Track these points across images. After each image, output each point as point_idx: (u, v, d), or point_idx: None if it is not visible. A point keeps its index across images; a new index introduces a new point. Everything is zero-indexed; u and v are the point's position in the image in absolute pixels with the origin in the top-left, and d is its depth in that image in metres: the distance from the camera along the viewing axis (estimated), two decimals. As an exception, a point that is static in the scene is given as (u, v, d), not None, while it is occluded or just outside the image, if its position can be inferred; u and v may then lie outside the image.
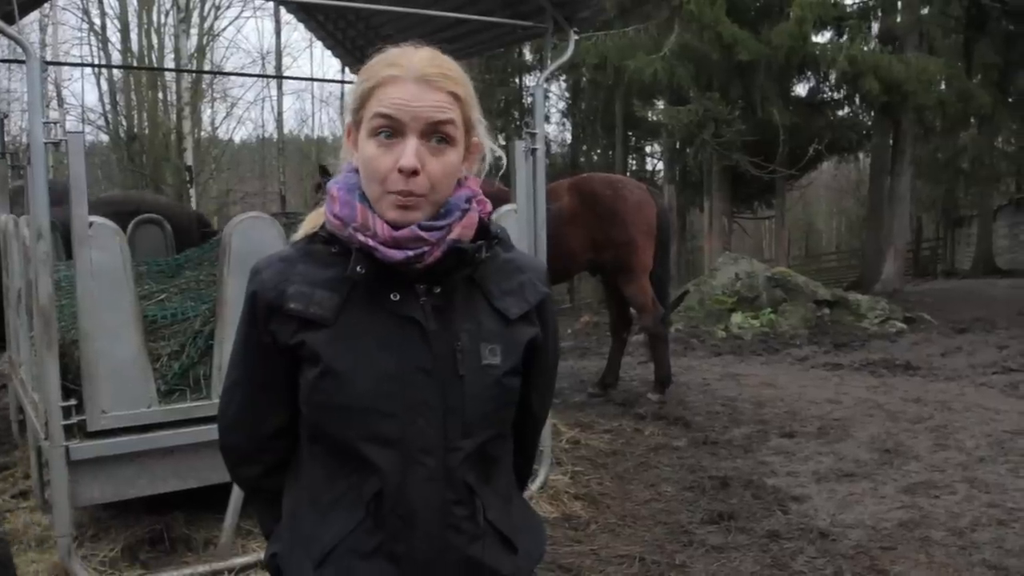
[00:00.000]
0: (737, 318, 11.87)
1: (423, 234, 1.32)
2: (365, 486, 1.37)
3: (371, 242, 1.33)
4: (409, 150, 1.31)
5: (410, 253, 1.32)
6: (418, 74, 1.33)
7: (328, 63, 48.47)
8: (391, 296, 1.37)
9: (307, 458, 1.46)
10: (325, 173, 8.36)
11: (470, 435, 1.39)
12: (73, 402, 3.73)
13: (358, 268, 1.35)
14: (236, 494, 4.00)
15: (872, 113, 17.77)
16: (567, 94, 25.86)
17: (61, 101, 19.86)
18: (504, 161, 1.54)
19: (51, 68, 18.08)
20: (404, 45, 1.38)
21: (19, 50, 3.61)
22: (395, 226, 1.33)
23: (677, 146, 19.31)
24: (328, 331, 1.36)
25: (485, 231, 1.44)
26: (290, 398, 1.45)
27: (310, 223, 1.46)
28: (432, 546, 1.37)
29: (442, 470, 1.37)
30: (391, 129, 1.32)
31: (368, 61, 1.40)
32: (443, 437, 1.37)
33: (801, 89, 18.62)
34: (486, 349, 1.40)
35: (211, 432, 3.90)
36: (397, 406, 1.35)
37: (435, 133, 1.33)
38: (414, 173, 1.31)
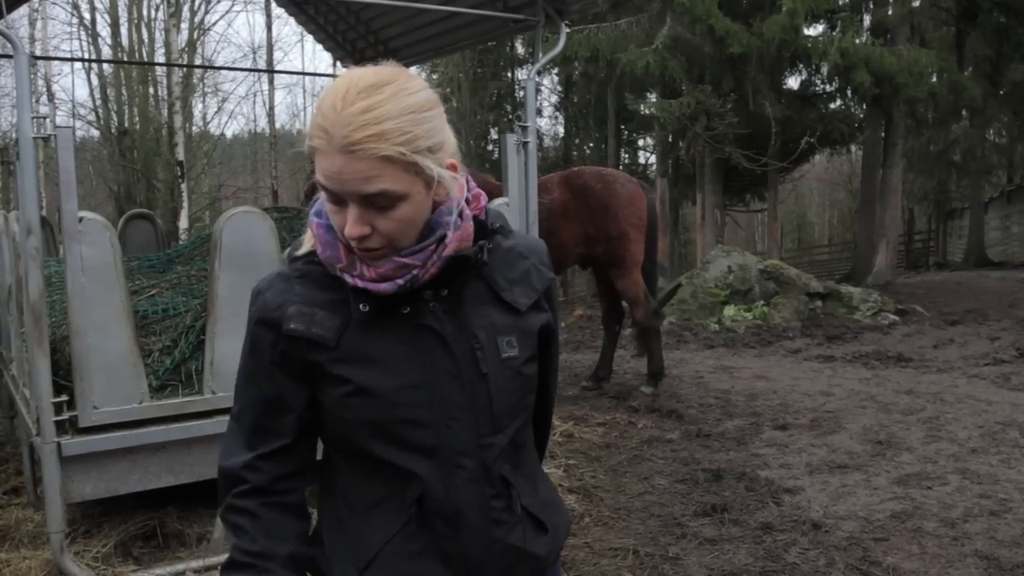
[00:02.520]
0: (730, 311, 11.89)
1: (406, 260, 1.30)
2: (406, 491, 1.37)
3: (359, 283, 1.32)
4: (351, 219, 1.27)
5: (400, 281, 1.31)
6: (341, 144, 1.22)
7: (320, 57, 48.49)
8: (402, 309, 1.36)
9: (341, 467, 1.44)
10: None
11: (501, 430, 1.40)
12: (64, 398, 3.72)
13: (360, 307, 1.34)
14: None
15: (864, 105, 17.78)
16: (559, 87, 25.88)
17: (51, 96, 19.76)
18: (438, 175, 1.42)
19: (40, 63, 18.00)
20: (357, 72, 1.28)
21: (8, 45, 3.59)
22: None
23: (669, 139, 19.34)
24: (339, 351, 1.34)
25: (483, 230, 1.41)
26: (296, 421, 1.40)
27: (307, 243, 1.42)
28: (479, 543, 1.39)
29: (480, 469, 1.38)
30: (333, 195, 1.28)
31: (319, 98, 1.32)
32: (477, 436, 1.38)
33: (793, 82, 18.64)
34: (503, 342, 1.41)
35: (203, 427, 3.94)
36: (428, 415, 1.35)
37: (373, 201, 1.26)
38: (363, 237, 1.28)
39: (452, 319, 1.38)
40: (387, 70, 1.29)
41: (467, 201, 1.38)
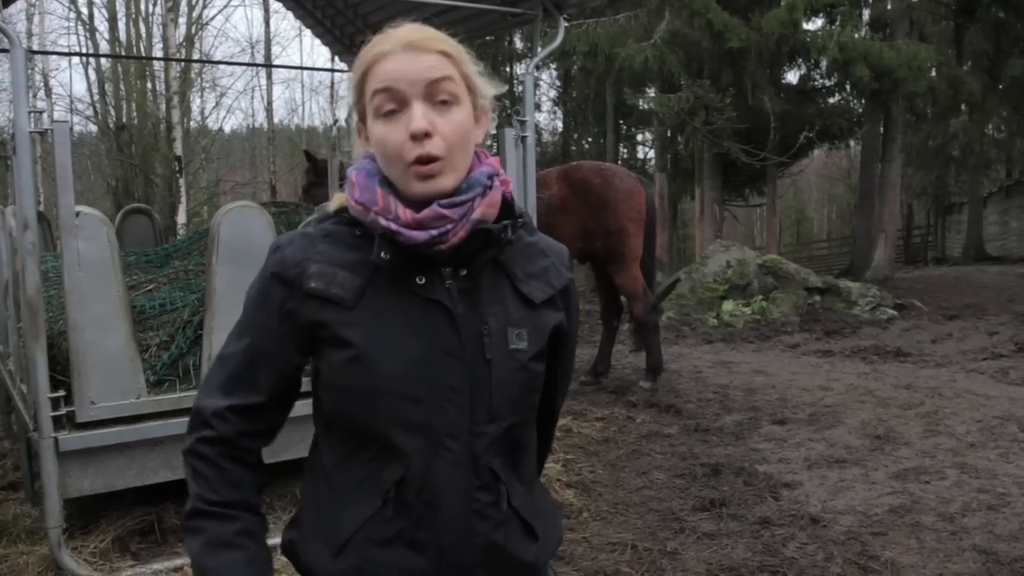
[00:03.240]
0: (728, 306, 11.89)
1: (445, 212, 1.31)
2: (384, 473, 1.35)
3: (393, 225, 1.32)
4: (417, 114, 1.30)
5: (433, 232, 1.31)
6: (405, 43, 1.32)
7: (318, 51, 48.35)
8: (417, 279, 1.36)
9: (324, 445, 1.44)
10: (311, 160, 8.36)
11: (496, 420, 1.38)
12: (62, 393, 3.71)
13: (382, 254, 1.34)
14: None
15: (863, 100, 17.78)
16: (558, 82, 25.84)
17: (49, 91, 19.73)
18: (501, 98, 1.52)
19: (38, 58, 17.97)
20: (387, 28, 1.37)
21: (4, 40, 3.58)
22: (424, 200, 1.32)
23: (668, 134, 19.34)
24: (351, 313, 1.34)
25: (509, 210, 1.43)
26: (271, 383, 1.41)
27: (336, 202, 1.44)
28: (456, 531, 1.36)
29: (468, 455, 1.36)
30: (394, 102, 1.32)
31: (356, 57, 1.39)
32: (469, 422, 1.36)
33: (792, 76, 18.65)
34: (513, 333, 1.39)
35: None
36: (424, 391, 1.34)
37: (436, 93, 1.32)
38: (427, 136, 1.30)
39: (465, 301, 1.37)
40: None
41: None
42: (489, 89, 1.42)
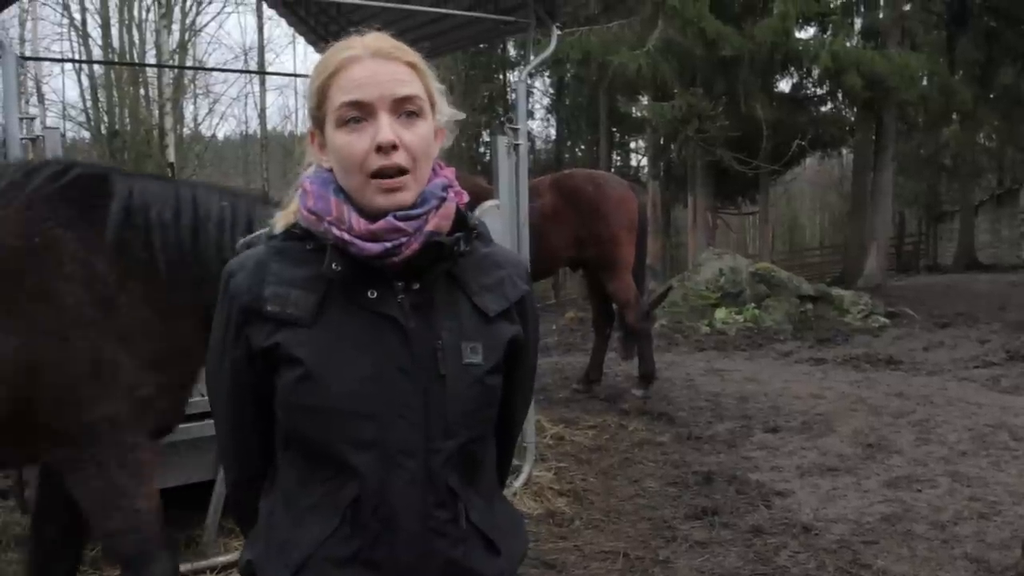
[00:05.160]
0: (721, 313, 11.91)
1: (400, 224, 1.29)
2: (341, 492, 1.33)
3: (346, 236, 1.30)
4: (384, 125, 1.29)
5: (387, 245, 1.29)
6: (373, 50, 1.33)
7: (311, 59, 48.25)
8: (368, 293, 1.33)
9: (283, 463, 1.42)
10: None
11: (452, 436, 1.35)
12: (52, 400, 3.68)
13: (333, 265, 1.31)
14: (218, 492, 3.97)
15: (855, 109, 17.85)
16: (551, 90, 25.90)
17: (41, 97, 19.64)
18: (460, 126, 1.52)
19: (31, 64, 17.92)
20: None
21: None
22: (384, 212, 1.30)
23: (661, 142, 19.37)
24: (305, 332, 1.32)
25: (463, 223, 1.40)
26: (264, 427, 1.44)
27: (283, 219, 1.41)
28: (414, 550, 1.34)
29: (424, 472, 1.33)
30: (359, 111, 1.30)
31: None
32: (424, 439, 1.33)
33: (784, 85, 18.71)
34: (467, 348, 1.37)
35: (192, 430, 3.90)
36: (376, 408, 1.31)
37: (403, 107, 1.31)
38: (393, 148, 1.28)
39: (418, 315, 1.35)
40: None
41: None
42: (448, 109, 1.41)
